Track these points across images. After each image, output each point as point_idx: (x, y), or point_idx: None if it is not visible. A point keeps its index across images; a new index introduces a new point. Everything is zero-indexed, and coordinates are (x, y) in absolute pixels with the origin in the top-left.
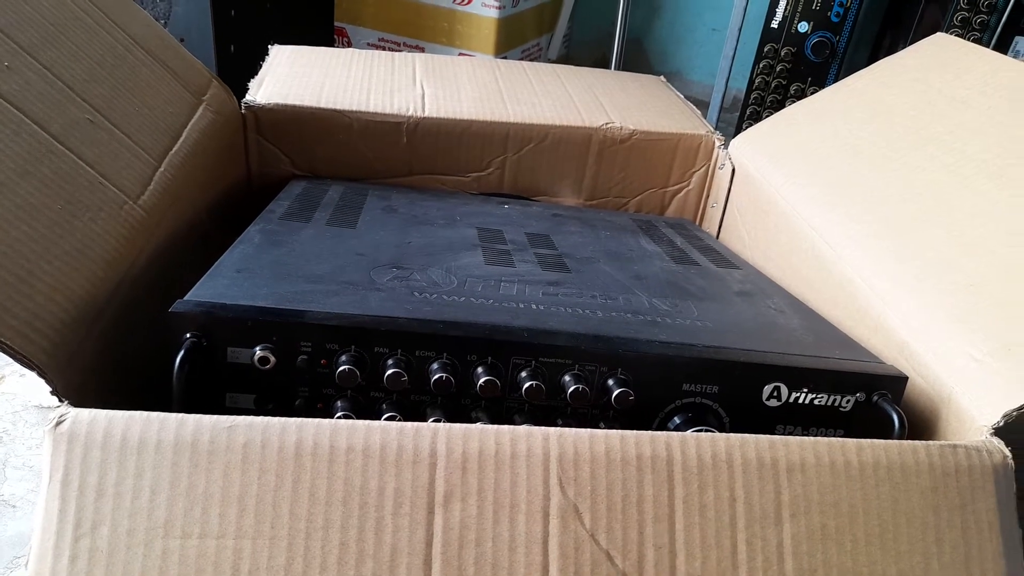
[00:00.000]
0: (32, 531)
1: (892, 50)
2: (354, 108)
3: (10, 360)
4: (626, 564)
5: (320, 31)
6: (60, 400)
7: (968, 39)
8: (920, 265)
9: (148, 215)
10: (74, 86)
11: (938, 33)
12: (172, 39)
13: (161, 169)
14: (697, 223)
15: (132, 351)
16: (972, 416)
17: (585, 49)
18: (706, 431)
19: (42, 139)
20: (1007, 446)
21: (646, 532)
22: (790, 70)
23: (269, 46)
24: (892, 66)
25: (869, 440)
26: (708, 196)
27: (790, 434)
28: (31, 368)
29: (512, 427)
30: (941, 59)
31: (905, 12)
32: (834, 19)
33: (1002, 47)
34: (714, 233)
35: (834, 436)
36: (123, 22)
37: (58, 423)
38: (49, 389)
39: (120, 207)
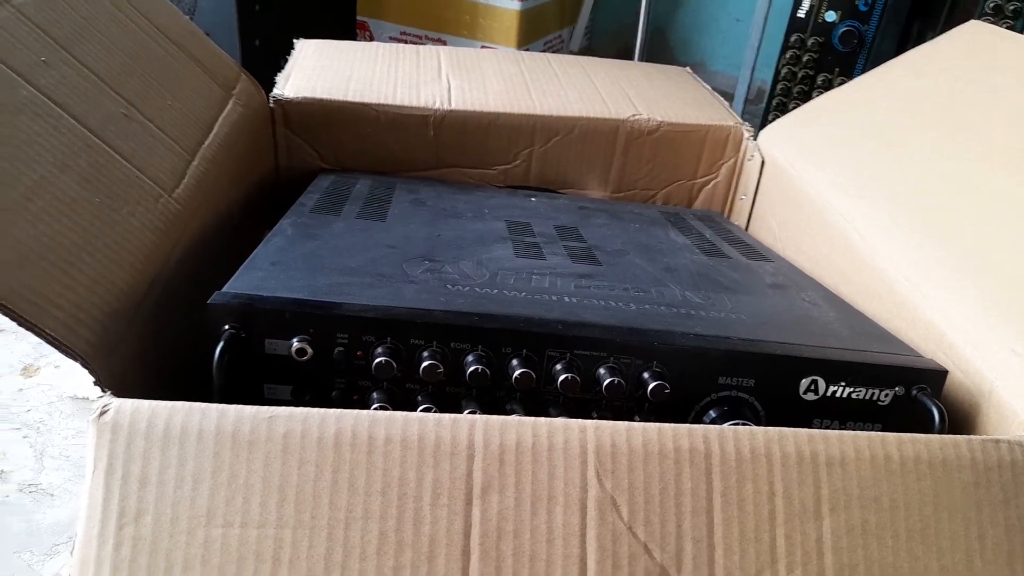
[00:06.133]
0: (74, 518)
1: (921, 39)
2: (381, 101)
3: (45, 352)
4: (664, 557)
5: (342, 25)
6: (103, 390)
7: (1001, 27)
8: (958, 257)
9: (183, 208)
10: (108, 80)
11: (971, 20)
12: (201, 33)
13: (194, 163)
14: (726, 215)
15: (170, 342)
16: (1014, 410)
17: (607, 40)
18: (743, 425)
19: (79, 133)
20: None
21: (684, 525)
22: (817, 60)
23: (294, 40)
24: (924, 55)
25: (910, 434)
26: (737, 188)
27: (827, 428)
28: (75, 359)
29: (549, 419)
30: (975, 47)
31: (935, 0)
32: (862, 8)
33: None
34: (743, 225)
35: (872, 430)
36: (153, 16)
37: (102, 413)
38: (92, 380)
39: (156, 200)
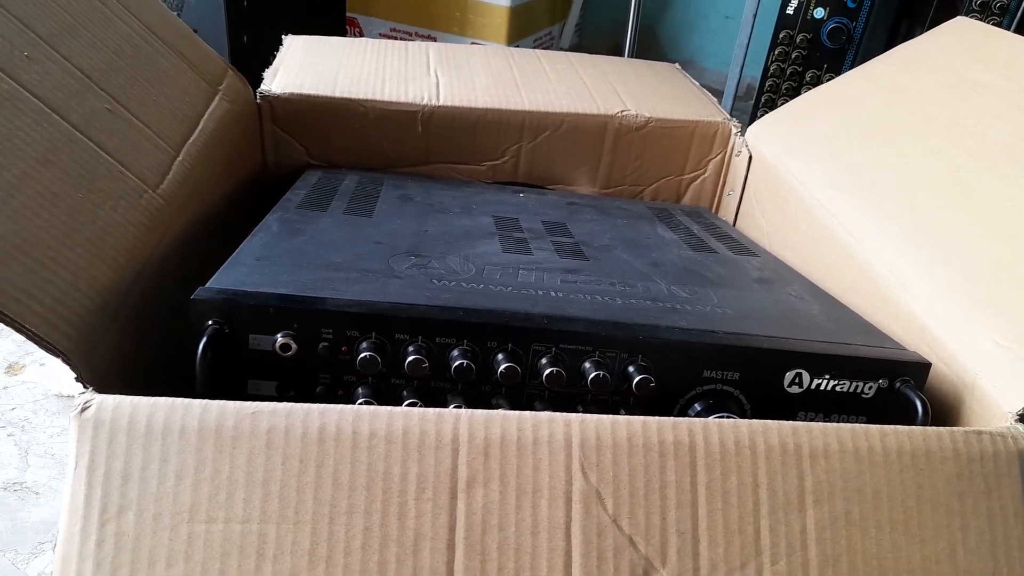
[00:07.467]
0: (59, 516)
1: (909, 36)
2: (369, 97)
3: (30, 350)
4: (649, 549)
5: (332, 22)
6: (85, 387)
7: (988, 24)
8: (943, 251)
9: (167, 204)
10: (92, 76)
11: (958, 17)
12: (187, 29)
13: (179, 159)
14: (714, 211)
15: (154, 338)
16: (996, 402)
17: (597, 37)
18: (727, 418)
19: (62, 128)
20: None
21: (669, 518)
22: (806, 57)
23: (283, 36)
24: (912, 50)
25: (893, 426)
26: (724, 184)
27: (812, 421)
28: (56, 355)
29: (534, 413)
30: (962, 42)
31: None
32: (851, 4)
33: (1022, 32)
34: (731, 221)
35: (856, 423)
36: (139, 12)
37: (83, 409)
38: (74, 376)
39: (140, 196)
